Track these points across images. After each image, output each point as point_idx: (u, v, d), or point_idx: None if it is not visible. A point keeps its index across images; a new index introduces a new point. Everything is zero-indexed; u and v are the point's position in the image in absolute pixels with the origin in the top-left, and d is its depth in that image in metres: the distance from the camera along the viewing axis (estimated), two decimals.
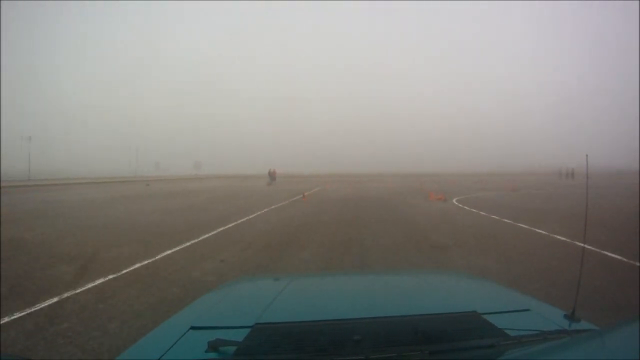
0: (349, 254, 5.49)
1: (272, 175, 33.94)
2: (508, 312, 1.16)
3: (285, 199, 16.02)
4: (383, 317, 1.07)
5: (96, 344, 2.64)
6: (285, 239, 6.70)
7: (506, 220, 8.87)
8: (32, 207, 12.88)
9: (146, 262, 5.04)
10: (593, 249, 5.52)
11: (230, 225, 8.39)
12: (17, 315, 3.14)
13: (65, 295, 3.67)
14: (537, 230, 7.50)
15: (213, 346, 0.88)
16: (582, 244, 5.83)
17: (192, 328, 1.04)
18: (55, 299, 3.54)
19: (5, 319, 3.04)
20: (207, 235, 7.09)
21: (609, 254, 5.29)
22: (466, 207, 12.37)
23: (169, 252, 5.67)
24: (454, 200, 15.23)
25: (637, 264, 4.75)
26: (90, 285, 4.01)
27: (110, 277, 4.33)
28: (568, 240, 6.43)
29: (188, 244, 6.28)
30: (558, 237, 6.73)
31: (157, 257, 5.31)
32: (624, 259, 5.04)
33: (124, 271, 4.58)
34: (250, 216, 10.09)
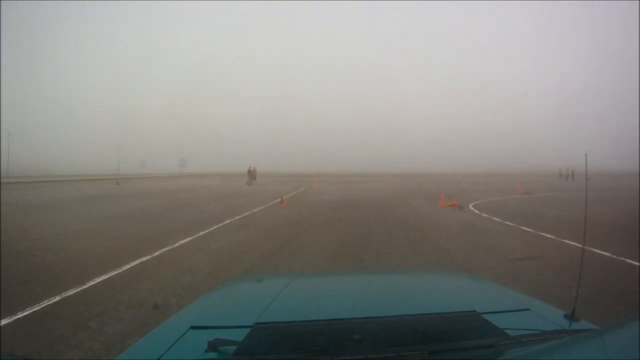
0: None
1: (251, 175, 31.50)
2: (508, 312, 1.16)
3: (260, 204, 13.77)
4: (383, 317, 1.07)
5: None
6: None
7: (572, 243, 6.46)
8: None
9: None
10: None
11: (163, 251, 5.94)
12: None
13: None
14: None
15: (213, 346, 0.88)
16: None
17: (192, 328, 1.04)
18: None
19: None
20: (102, 278, 4.43)
21: None
22: (496, 219, 9.75)
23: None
24: (471, 207, 12.87)
25: None
26: None
27: None
28: None
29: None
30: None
31: None
32: None
33: None
34: (203, 232, 7.69)
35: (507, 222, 9.05)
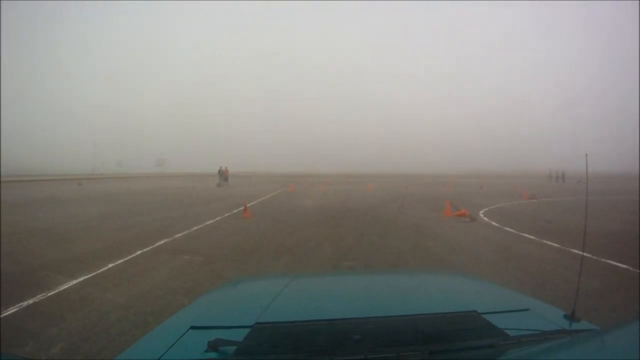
0: None
1: (223, 175, 29.18)
2: (508, 312, 1.17)
3: (220, 213, 11.37)
4: (383, 317, 1.08)
5: None
6: None
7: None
8: None
9: None
10: None
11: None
12: None
13: None
14: None
15: (213, 346, 0.88)
16: None
17: (192, 328, 1.04)
18: None
19: None
20: None
21: None
22: (529, 236, 7.57)
23: None
24: (483, 216, 10.81)
25: None
26: None
27: None
28: None
29: None
30: None
31: None
32: None
33: None
34: (111, 265, 5.23)
35: (548, 242, 6.85)
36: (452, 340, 0.89)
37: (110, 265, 5.03)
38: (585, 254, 5.20)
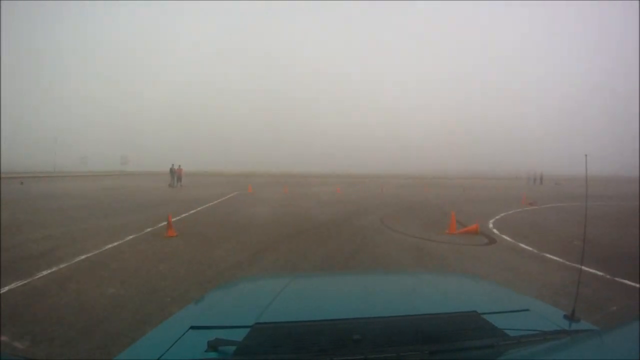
0: None
1: (175, 175, 26.97)
2: (508, 312, 1.16)
3: (143, 226, 8.58)
4: (383, 317, 1.07)
5: None
6: None
7: None
8: None
9: None
10: None
11: None
12: None
13: None
14: None
15: (213, 346, 0.88)
16: None
17: (192, 328, 1.04)
18: None
19: None
20: None
21: None
22: (593, 271, 5.23)
23: None
24: (494, 230, 8.82)
25: None
26: None
27: None
28: None
29: None
30: None
31: None
32: None
33: None
34: None
35: (601, 274, 4.98)
36: (452, 341, 0.89)
37: None
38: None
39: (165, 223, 8.15)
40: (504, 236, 7.86)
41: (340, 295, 1.49)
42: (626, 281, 4.67)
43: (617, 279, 4.75)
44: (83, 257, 5.51)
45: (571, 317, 1.09)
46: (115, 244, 6.48)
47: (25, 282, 4.30)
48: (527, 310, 1.18)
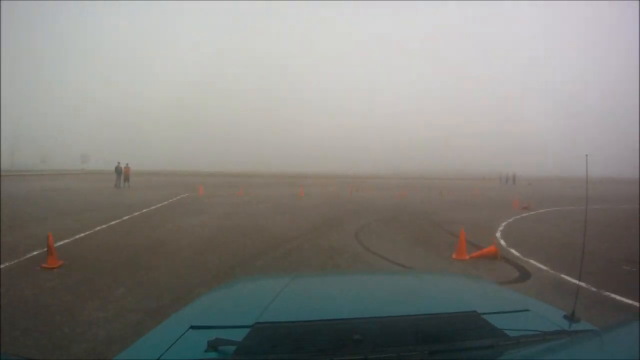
0: None
1: (122, 174, 24.78)
2: (508, 313, 1.16)
3: (40, 243, 6.25)
4: (383, 317, 1.06)
5: None
6: None
7: None
8: None
9: None
10: None
11: None
12: None
13: None
14: None
15: (213, 345, 0.87)
16: None
17: (192, 327, 1.03)
18: None
19: None
20: None
21: None
22: None
23: None
24: (510, 249, 6.96)
25: None
26: None
27: None
28: None
29: None
30: None
31: None
32: None
33: None
34: None
35: None
36: (452, 341, 0.88)
37: None
38: None
39: (60, 243, 5.75)
40: (532, 261, 5.83)
41: (340, 295, 1.47)
42: None
43: None
44: None
45: (571, 318, 1.08)
46: None
47: None
48: (527, 310, 1.18)
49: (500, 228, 9.38)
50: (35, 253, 5.70)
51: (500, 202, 16.75)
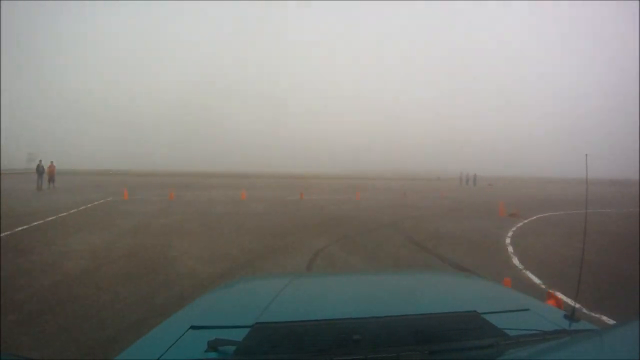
0: None
1: (44, 173, 21.31)
2: (508, 312, 1.15)
3: None
4: (383, 317, 1.05)
5: None
6: None
7: None
8: None
9: None
10: None
11: None
12: None
13: None
14: None
15: (213, 345, 0.86)
16: None
17: (192, 327, 1.02)
18: None
19: None
20: None
21: None
22: None
23: None
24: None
25: None
26: None
27: None
28: None
29: None
30: None
31: None
32: None
33: None
34: None
35: None
36: (452, 340, 0.88)
37: None
38: None
39: None
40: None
41: (340, 295, 1.46)
42: None
43: None
44: None
45: (571, 317, 1.08)
46: None
47: None
48: (527, 310, 1.17)
49: (510, 249, 6.92)
50: None
51: (479, 208, 14.49)
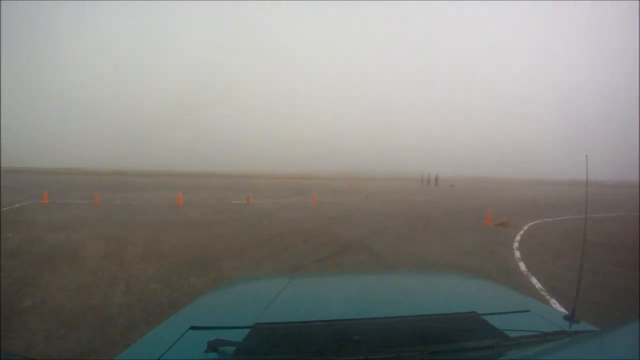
0: None
1: None
2: (508, 313, 1.15)
3: None
4: (383, 318, 1.06)
5: None
6: None
7: None
8: None
9: None
10: None
11: None
12: None
13: None
14: None
15: (213, 346, 0.87)
16: None
17: (192, 328, 1.03)
18: None
19: None
20: None
21: None
22: None
23: None
24: None
25: None
26: None
27: None
28: None
29: None
30: None
31: None
32: None
33: None
34: None
35: None
36: (452, 341, 0.88)
37: None
38: None
39: None
40: None
41: (340, 295, 1.46)
42: None
43: None
44: None
45: (571, 318, 1.08)
46: None
47: None
48: (527, 311, 1.18)
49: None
50: None
51: (458, 215, 12.14)
